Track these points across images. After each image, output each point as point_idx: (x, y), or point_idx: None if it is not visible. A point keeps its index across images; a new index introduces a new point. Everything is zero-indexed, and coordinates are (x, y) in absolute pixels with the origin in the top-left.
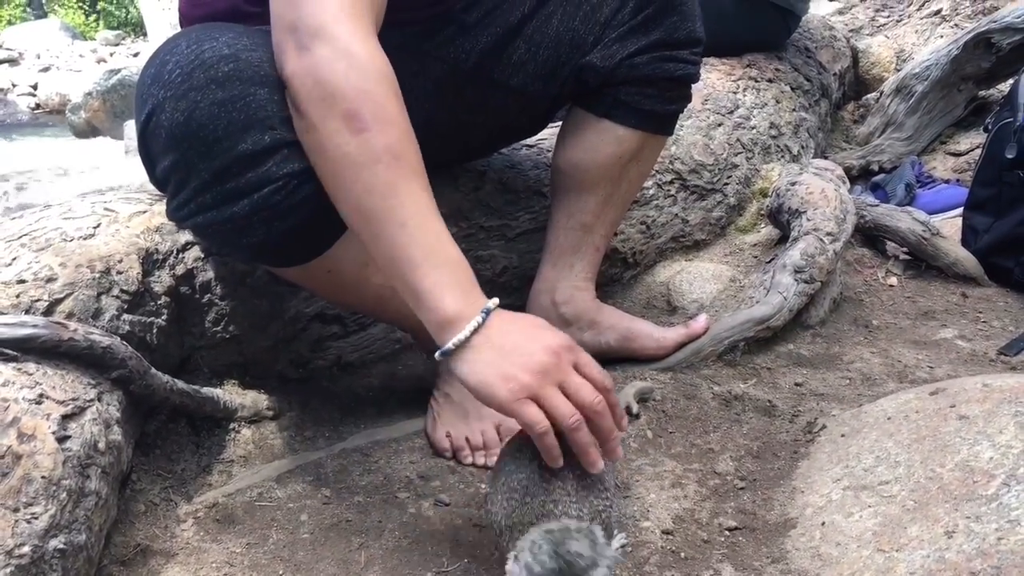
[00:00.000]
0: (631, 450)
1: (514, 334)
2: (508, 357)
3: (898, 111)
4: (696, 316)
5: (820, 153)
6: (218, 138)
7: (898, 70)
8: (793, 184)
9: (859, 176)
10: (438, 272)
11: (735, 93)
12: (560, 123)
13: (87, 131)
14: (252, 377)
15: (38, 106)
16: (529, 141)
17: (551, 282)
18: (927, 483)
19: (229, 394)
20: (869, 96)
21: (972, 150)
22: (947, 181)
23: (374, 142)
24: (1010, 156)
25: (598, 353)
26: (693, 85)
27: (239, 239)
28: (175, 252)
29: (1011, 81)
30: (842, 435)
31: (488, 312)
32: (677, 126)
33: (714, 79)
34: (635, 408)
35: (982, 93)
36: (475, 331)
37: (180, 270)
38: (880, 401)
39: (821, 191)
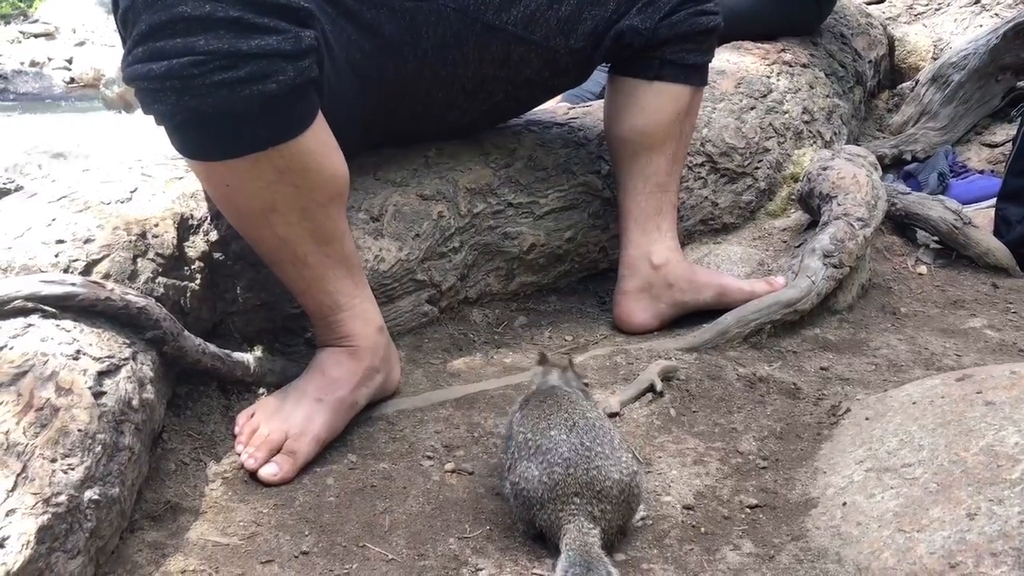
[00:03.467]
0: (654, 427)
1: None
2: None
3: (933, 100)
4: (776, 275)
5: (853, 140)
6: None
7: (935, 59)
8: (824, 169)
9: (892, 165)
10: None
11: (769, 77)
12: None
13: (121, 106)
14: (281, 344)
15: (72, 80)
16: (560, 120)
17: (644, 247)
18: (951, 466)
19: (259, 359)
20: (904, 85)
21: (1008, 141)
22: (981, 172)
23: None
24: None
25: (698, 309)
26: (728, 68)
27: (151, 102)
28: (210, 218)
29: None
30: (866, 418)
31: None
32: (710, 109)
33: (748, 63)
34: (659, 386)
35: (1020, 84)
36: None
37: (214, 236)
38: (905, 386)
39: (853, 176)
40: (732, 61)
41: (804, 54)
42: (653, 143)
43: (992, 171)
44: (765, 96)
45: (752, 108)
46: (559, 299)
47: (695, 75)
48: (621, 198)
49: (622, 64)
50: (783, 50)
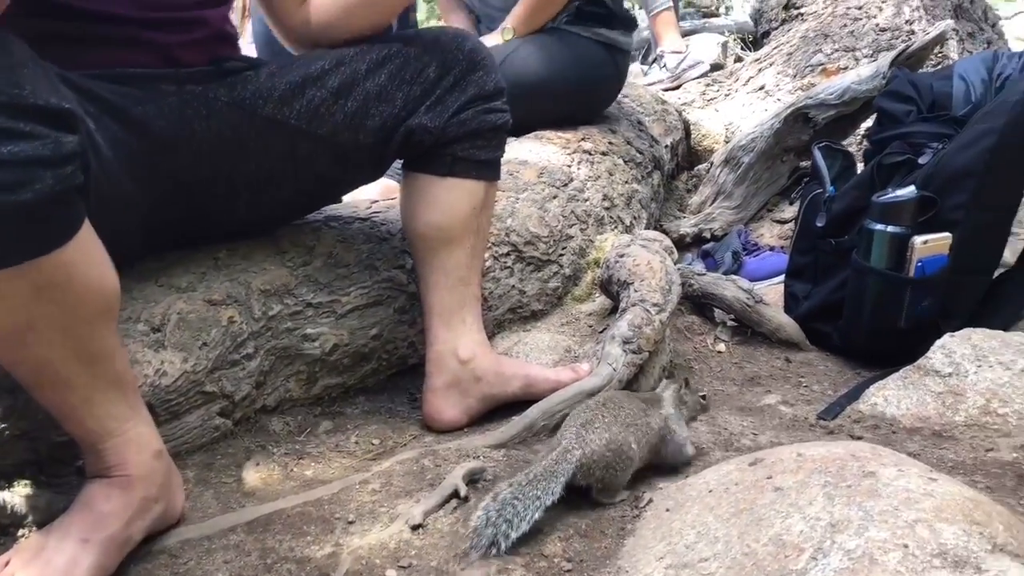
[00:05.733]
0: (459, 536)
1: None
2: None
3: (727, 181)
4: (581, 362)
5: (655, 222)
6: None
7: (727, 142)
8: (621, 256)
9: (693, 243)
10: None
11: (570, 166)
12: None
13: None
14: (48, 475)
15: None
16: (361, 214)
17: (451, 343)
18: (743, 559)
19: (18, 496)
20: (701, 167)
21: (795, 218)
22: (772, 248)
23: None
24: (820, 225)
25: (507, 401)
26: (530, 158)
27: None
28: None
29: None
30: (667, 509)
31: None
32: (514, 199)
33: (549, 153)
34: (463, 491)
35: (803, 164)
36: None
37: None
38: (704, 473)
39: (647, 263)
40: (534, 151)
41: (603, 142)
42: (451, 238)
43: (783, 248)
44: (567, 185)
45: (555, 197)
46: (367, 399)
47: (487, 170)
48: (424, 294)
49: (415, 160)
50: (583, 139)
